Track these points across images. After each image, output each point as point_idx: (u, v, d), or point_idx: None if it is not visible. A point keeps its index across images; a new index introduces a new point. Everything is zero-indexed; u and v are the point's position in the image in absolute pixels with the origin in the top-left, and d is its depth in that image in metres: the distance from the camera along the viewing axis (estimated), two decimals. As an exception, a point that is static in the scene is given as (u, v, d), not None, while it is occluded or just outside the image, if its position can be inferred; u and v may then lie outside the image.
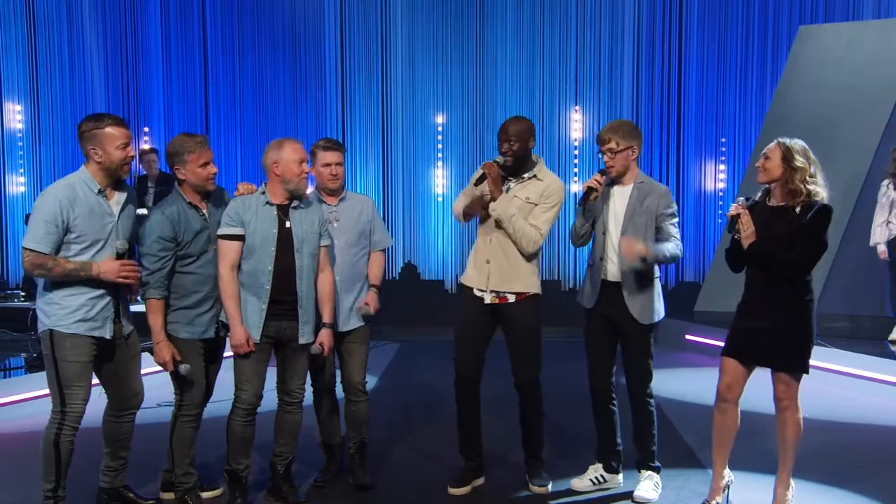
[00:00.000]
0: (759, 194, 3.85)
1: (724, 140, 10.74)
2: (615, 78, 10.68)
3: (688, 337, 8.69)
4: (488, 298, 4.18)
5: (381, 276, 4.38)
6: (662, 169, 10.75)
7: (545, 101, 10.75)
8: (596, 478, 4.32)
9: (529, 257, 4.19)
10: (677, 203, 10.52)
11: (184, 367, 3.75)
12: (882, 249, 7.10)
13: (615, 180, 4.12)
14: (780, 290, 3.68)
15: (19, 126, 10.43)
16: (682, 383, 6.90)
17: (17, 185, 10.50)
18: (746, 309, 3.79)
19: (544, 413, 4.32)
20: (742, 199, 3.83)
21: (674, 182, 10.75)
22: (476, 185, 4.12)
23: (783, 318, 3.68)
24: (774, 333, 3.68)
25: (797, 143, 3.69)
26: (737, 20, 10.53)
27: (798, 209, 3.63)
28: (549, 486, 4.28)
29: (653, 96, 10.69)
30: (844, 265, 8.29)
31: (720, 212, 10.69)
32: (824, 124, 8.45)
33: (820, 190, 3.64)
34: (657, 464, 4.24)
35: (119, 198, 3.68)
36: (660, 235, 4.05)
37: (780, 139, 3.74)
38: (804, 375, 3.76)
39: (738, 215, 3.73)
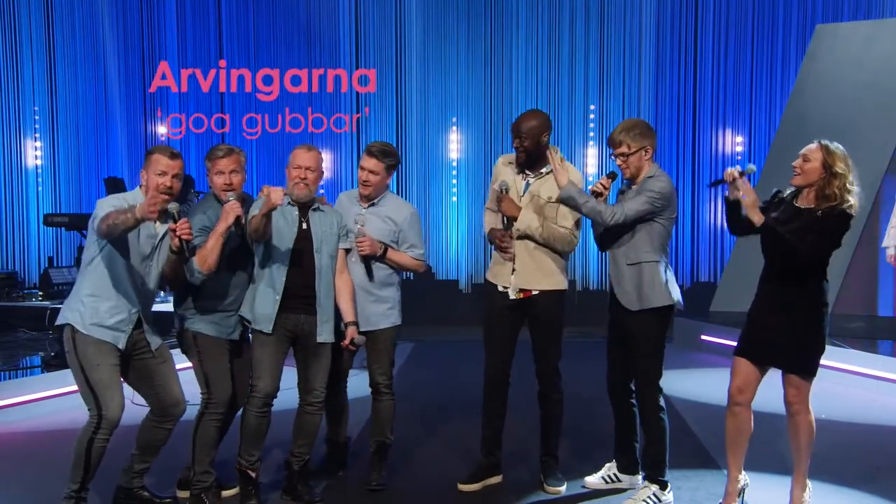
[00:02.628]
0: (788, 193, 3.78)
1: (740, 140, 10.69)
2: (631, 78, 10.66)
3: (703, 337, 8.65)
4: (513, 295, 4.19)
5: (401, 258, 4.28)
6: (678, 168, 10.71)
7: (561, 102, 10.73)
8: (609, 476, 4.30)
9: (558, 255, 4.20)
10: (691, 202, 10.63)
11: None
12: (891, 254, 6.94)
13: (631, 181, 4.08)
14: (794, 292, 3.66)
15: (37, 126, 10.53)
16: (697, 384, 6.86)
17: (36, 185, 10.60)
18: (759, 308, 3.77)
19: (563, 411, 4.31)
20: (738, 167, 3.76)
21: (689, 181, 10.71)
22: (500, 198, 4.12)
23: (794, 320, 3.66)
24: (785, 334, 3.66)
25: (839, 149, 3.60)
26: (754, 18, 10.48)
27: (821, 212, 3.58)
28: (564, 487, 4.26)
29: (669, 95, 10.66)
30: (861, 265, 8.23)
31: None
32: (841, 123, 8.38)
33: (853, 200, 3.56)
34: (665, 478, 4.03)
35: (162, 228, 3.77)
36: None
37: (822, 141, 3.64)
38: (814, 378, 3.73)
39: (732, 180, 3.72)
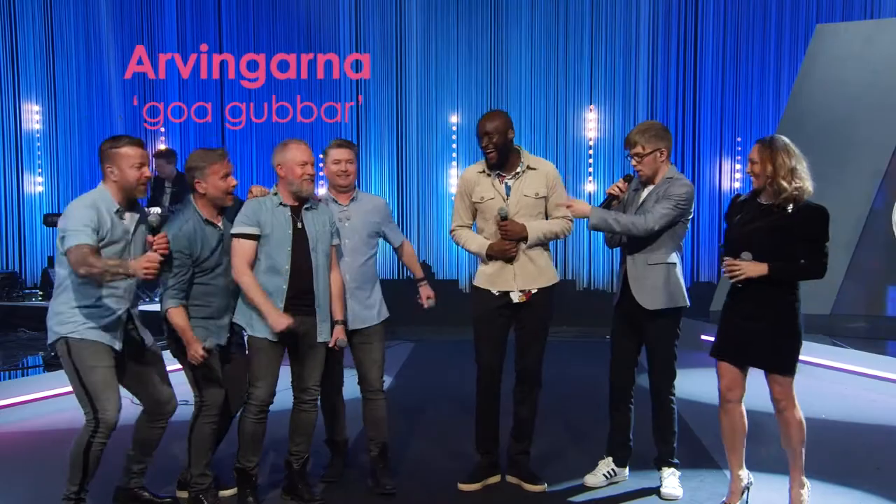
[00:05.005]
0: (746, 194, 3.90)
1: (739, 139, 10.68)
2: (630, 77, 10.64)
3: (703, 337, 8.64)
4: (516, 297, 4.20)
5: (419, 266, 4.61)
6: (677, 168, 10.68)
7: (560, 101, 10.72)
8: (608, 472, 4.35)
9: (547, 250, 4.31)
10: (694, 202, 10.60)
11: (209, 342, 3.78)
12: None
13: (646, 182, 4.16)
14: (766, 292, 3.68)
15: (37, 126, 10.51)
16: (697, 383, 6.85)
17: (36, 185, 10.59)
18: (736, 310, 3.80)
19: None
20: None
21: (689, 180, 10.69)
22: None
23: (769, 320, 3.69)
24: (764, 334, 3.69)
25: (778, 140, 3.70)
26: (753, 18, 10.47)
27: (790, 208, 3.64)
28: (546, 485, 4.30)
29: (668, 95, 10.64)
30: (862, 265, 8.23)
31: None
32: (841, 123, 8.39)
33: (804, 183, 3.62)
34: (677, 460, 4.27)
35: (131, 219, 3.72)
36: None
37: (760, 140, 3.76)
38: (796, 373, 3.76)
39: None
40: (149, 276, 3.45)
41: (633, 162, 4.11)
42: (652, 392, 4.24)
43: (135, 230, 3.71)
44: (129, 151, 3.63)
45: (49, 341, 3.66)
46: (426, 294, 4.50)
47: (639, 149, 4.07)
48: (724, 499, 3.92)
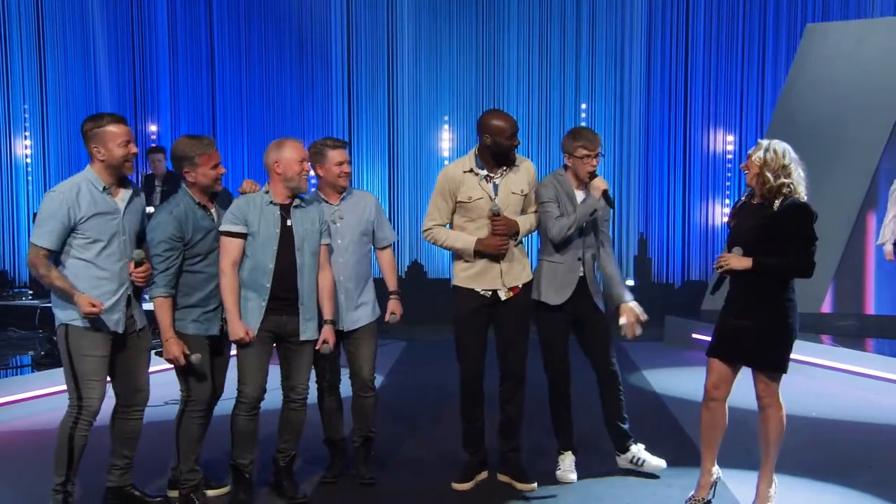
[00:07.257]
0: (746, 195, 3.95)
1: (730, 139, 10.72)
2: (623, 77, 10.68)
3: (694, 335, 8.67)
4: (503, 294, 4.23)
5: (396, 278, 4.45)
6: (669, 168, 10.73)
7: (552, 100, 10.75)
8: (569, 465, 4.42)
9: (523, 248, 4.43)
10: (683, 201, 10.67)
11: (195, 357, 3.78)
12: (888, 249, 6.94)
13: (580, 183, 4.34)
14: (762, 290, 3.72)
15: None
16: (688, 382, 6.88)
17: (27, 183, 10.54)
18: (730, 308, 3.83)
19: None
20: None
21: (680, 181, 10.73)
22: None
23: (763, 318, 3.71)
24: (755, 332, 3.72)
25: (777, 142, 3.78)
26: (744, 17, 10.51)
27: (775, 206, 3.69)
28: (536, 483, 4.31)
29: (661, 95, 10.68)
30: (853, 263, 8.27)
31: (725, 210, 10.68)
32: (831, 122, 8.43)
33: (795, 185, 3.69)
34: (632, 435, 4.45)
35: (124, 195, 3.74)
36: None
37: (759, 140, 3.87)
38: (784, 374, 3.79)
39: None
40: (89, 315, 3.53)
41: (594, 163, 4.28)
42: (600, 369, 4.38)
43: (127, 206, 3.72)
44: (114, 129, 3.63)
45: (56, 325, 3.69)
46: (391, 309, 4.35)
47: (601, 150, 4.29)
48: (692, 492, 3.96)
